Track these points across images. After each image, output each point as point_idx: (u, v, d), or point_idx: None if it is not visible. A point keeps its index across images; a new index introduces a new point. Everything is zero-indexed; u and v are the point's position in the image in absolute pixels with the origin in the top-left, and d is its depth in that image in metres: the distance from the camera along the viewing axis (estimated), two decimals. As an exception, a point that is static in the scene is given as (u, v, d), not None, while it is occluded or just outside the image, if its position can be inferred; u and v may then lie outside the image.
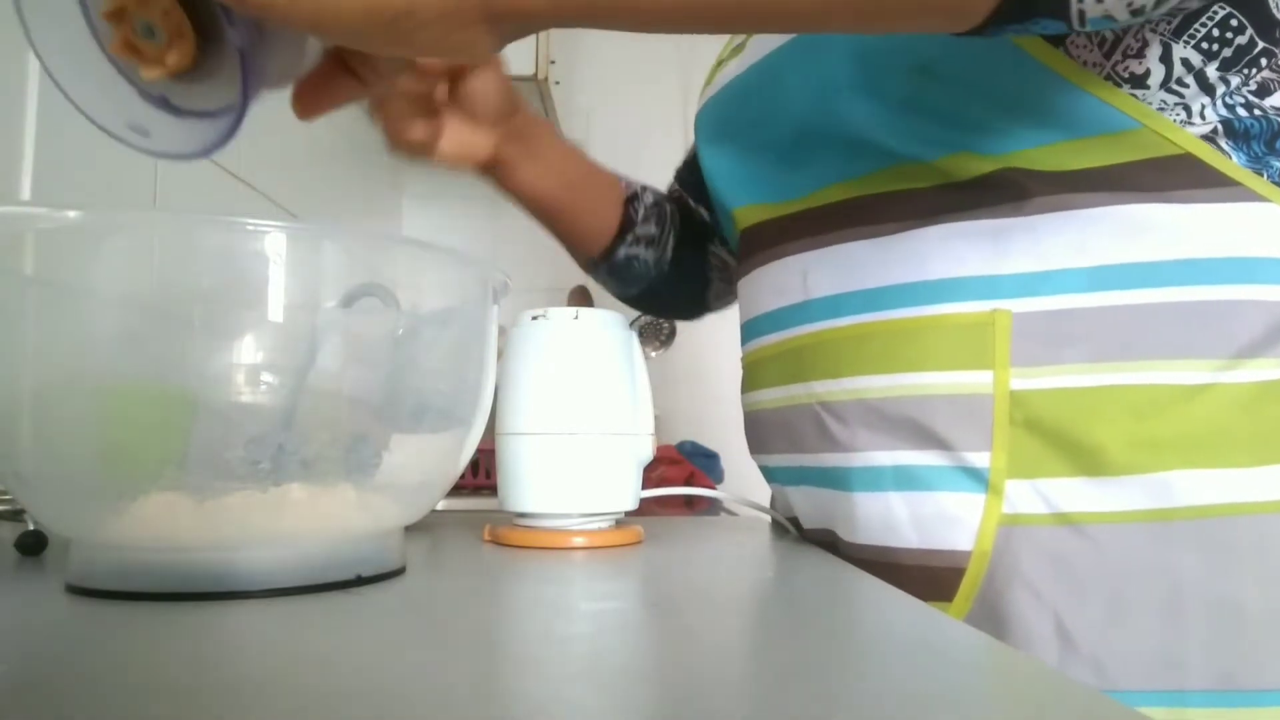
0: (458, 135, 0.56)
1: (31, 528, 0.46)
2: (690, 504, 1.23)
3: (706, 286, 0.80)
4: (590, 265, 0.76)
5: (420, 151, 0.55)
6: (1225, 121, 0.45)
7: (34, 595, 0.36)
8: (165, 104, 0.35)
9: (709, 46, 0.76)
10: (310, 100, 0.39)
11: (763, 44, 0.57)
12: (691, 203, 0.78)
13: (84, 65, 0.34)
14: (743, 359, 0.64)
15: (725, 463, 1.57)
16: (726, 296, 0.82)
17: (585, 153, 0.70)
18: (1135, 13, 0.36)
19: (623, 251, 0.73)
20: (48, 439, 0.36)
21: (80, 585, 0.36)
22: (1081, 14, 0.35)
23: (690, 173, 0.77)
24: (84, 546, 0.36)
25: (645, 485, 0.58)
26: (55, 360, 0.36)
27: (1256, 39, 0.44)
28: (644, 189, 0.75)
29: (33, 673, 0.25)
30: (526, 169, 0.63)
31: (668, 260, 0.75)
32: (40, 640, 0.29)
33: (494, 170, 0.62)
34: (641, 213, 0.73)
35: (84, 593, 0.35)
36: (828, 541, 0.56)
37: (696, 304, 0.83)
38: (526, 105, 0.61)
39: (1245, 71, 0.44)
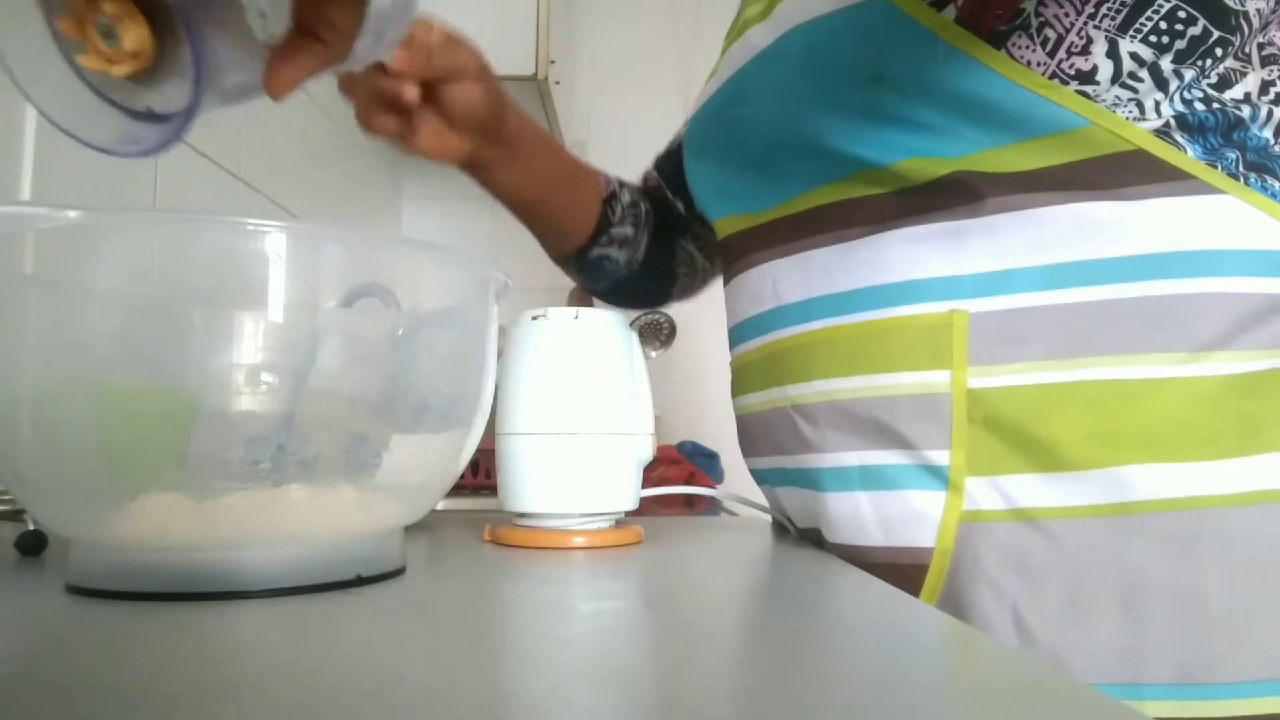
0: (432, 133, 0.56)
1: (31, 528, 0.46)
2: (690, 504, 1.23)
3: (672, 282, 0.81)
4: (561, 259, 0.76)
5: (392, 139, 0.55)
6: (1179, 116, 0.45)
7: (34, 595, 0.36)
8: (149, 115, 0.36)
9: (708, 48, 0.76)
10: (278, 75, 0.37)
11: (730, 64, 0.59)
12: (669, 194, 0.77)
13: (69, 96, 0.35)
14: (730, 364, 0.65)
15: (725, 463, 1.57)
16: (690, 291, 0.84)
17: (568, 152, 0.71)
18: None
19: (595, 251, 0.73)
20: (48, 439, 0.36)
21: (80, 585, 0.36)
22: None
23: (670, 164, 0.77)
24: (84, 546, 0.36)
25: (645, 485, 0.58)
26: (55, 360, 0.36)
27: (1211, 28, 0.43)
28: (623, 187, 0.75)
29: (33, 673, 0.25)
30: (505, 173, 0.64)
31: (639, 260, 0.76)
32: (40, 640, 0.29)
33: (472, 169, 0.63)
34: (618, 213, 0.73)
35: (84, 593, 0.35)
36: (817, 540, 0.57)
37: (661, 299, 0.84)
38: (514, 109, 0.61)
39: (1201, 63, 0.44)
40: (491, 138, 0.60)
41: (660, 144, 0.82)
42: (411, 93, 0.52)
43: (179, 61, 0.34)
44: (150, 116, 0.36)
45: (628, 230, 0.74)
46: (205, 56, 0.33)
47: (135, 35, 0.34)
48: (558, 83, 1.71)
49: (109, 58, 0.34)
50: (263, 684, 0.24)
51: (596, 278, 0.77)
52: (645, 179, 0.80)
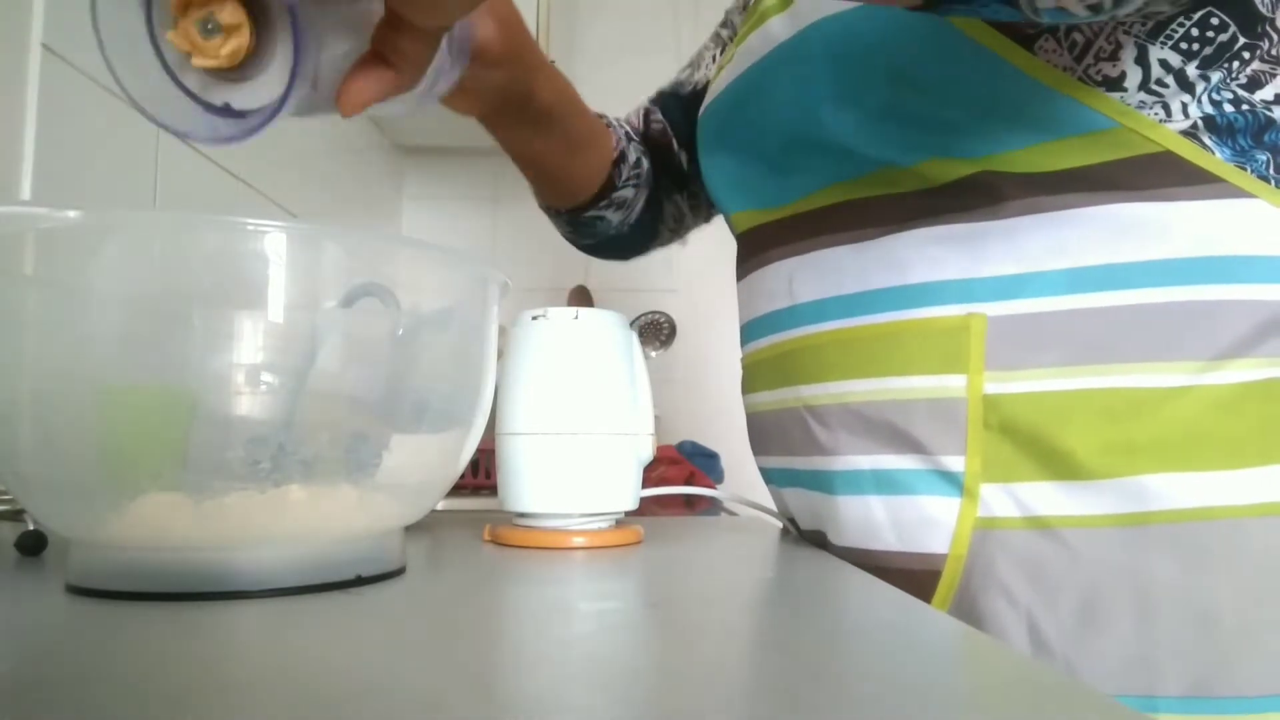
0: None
1: (31, 528, 0.46)
2: (690, 504, 1.23)
3: (654, 238, 0.79)
4: (551, 211, 0.73)
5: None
6: (1208, 117, 0.44)
7: (34, 595, 0.36)
8: (225, 109, 0.37)
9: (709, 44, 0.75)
10: (350, 94, 0.37)
11: (749, 55, 0.57)
12: (675, 144, 0.75)
13: (143, 62, 0.36)
14: (742, 360, 0.64)
15: (725, 463, 1.57)
16: (666, 244, 0.82)
17: (589, 113, 0.67)
18: (1092, 9, 0.35)
19: (591, 212, 0.71)
20: (48, 439, 0.36)
21: (80, 585, 0.36)
22: (1033, 3, 0.35)
23: (680, 110, 0.74)
24: (84, 546, 0.36)
25: (645, 485, 0.58)
26: (55, 360, 0.36)
27: (1239, 35, 0.43)
28: (630, 142, 0.72)
29: (33, 673, 0.25)
30: (530, 140, 0.61)
31: (630, 221, 0.74)
32: (40, 640, 0.29)
33: (489, 126, 0.60)
34: (623, 175, 0.71)
35: (84, 593, 0.35)
36: (821, 543, 0.56)
37: (638, 253, 0.81)
38: (545, 77, 0.58)
39: (1227, 66, 0.43)
40: (514, 110, 0.57)
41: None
42: None
43: (263, 65, 0.35)
44: (224, 110, 0.36)
45: (628, 193, 0.72)
46: (300, 61, 0.34)
47: (235, 47, 0.34)
48: (557, 81, 1.70)
49: (201, 49, 0.35)
50: (262, 684, 0.24)
51: (585, 234, 0.75)
52: (648, 120, 0.77)
